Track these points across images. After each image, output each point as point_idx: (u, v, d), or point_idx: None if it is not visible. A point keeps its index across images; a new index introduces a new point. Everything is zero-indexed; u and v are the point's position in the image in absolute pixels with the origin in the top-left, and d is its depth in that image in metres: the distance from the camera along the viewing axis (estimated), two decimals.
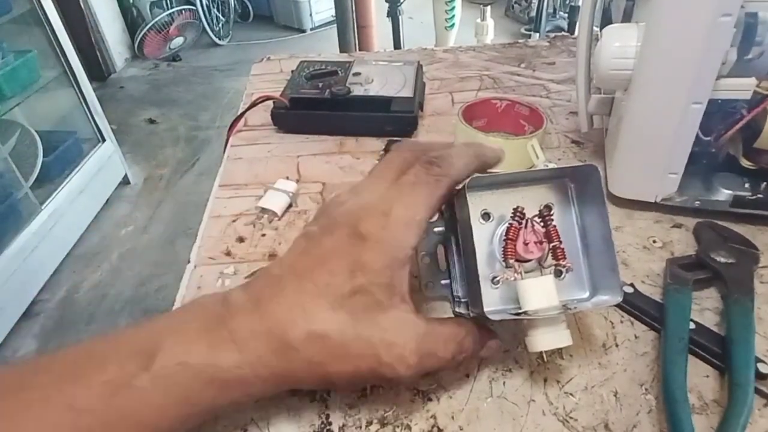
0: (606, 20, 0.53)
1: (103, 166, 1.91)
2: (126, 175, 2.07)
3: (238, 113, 0.63)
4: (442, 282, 0.37)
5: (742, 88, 0.38)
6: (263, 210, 0.48)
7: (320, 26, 3.49)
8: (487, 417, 0.32)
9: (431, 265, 0.38)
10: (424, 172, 0.29)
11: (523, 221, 0.33)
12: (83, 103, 1.86)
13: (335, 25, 2.02)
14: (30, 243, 1.53)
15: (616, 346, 0.35)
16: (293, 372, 0.27)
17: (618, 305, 0.37)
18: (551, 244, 0.32)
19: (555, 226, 0.33)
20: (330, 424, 0.32)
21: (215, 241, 0.46)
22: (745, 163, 0.42)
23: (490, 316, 0.31)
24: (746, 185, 0.43)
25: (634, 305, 0.37)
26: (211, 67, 3.12)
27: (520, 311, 0.31)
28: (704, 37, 0.35)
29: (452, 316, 0.34)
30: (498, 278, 0.33)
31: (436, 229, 0.37)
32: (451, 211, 0.34)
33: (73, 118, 1.88)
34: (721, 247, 0.39)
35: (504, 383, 0.33)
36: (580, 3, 0.65)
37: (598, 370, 0.34)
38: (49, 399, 0.24)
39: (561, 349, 0.35)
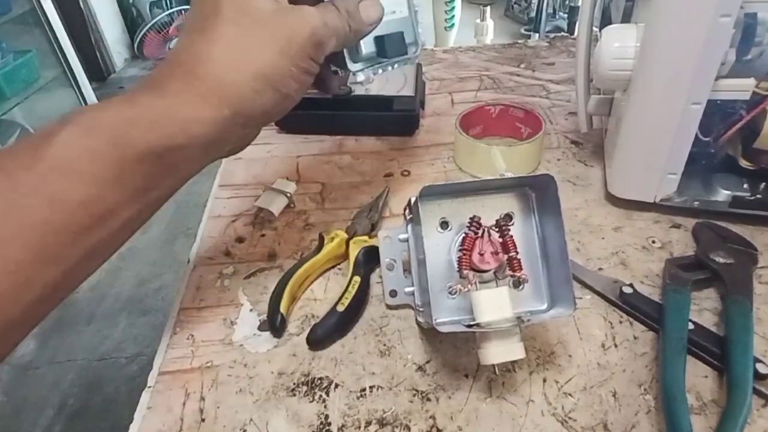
0: (606, 20, 0.53)
1: None
2: None
3: None
4: (406, 290, 0.37)
5: (741, 88, 0.38)
6: (260, 210, 0.48)
7: None
8: (486, 417, 0.32)
9: (396, 273, 0.38)
10: None
11: (480, 231, 0.32)
12: (83, 103, 1.86)
13: None
14: None
15: (615, 346, 0.35)
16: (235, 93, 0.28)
17: (617, 305, 0.38)
18: (508, 255, 0.32)
19: (512, 236, 0.32)
20: (329, 424, 0.32)
21: (215, 241, 0.46)
22: (744, 163, 0.42)
23: (440, 328, 0.31)
24: (745, 186, 0.43)
25: (633, 305, 0.37)
26: None
27: (473, 323, 0.31)
28: (703, 38, 0.35)
29: None
30: (453, 288, 0.32)
31: (400, 236, 0.37)
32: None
33: None
34: (720, 248, 0.39)
35: (503, 383, 0.33)
36: (579, 3, 0.65)
37: (597, 371, 0.34)
38: None
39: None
